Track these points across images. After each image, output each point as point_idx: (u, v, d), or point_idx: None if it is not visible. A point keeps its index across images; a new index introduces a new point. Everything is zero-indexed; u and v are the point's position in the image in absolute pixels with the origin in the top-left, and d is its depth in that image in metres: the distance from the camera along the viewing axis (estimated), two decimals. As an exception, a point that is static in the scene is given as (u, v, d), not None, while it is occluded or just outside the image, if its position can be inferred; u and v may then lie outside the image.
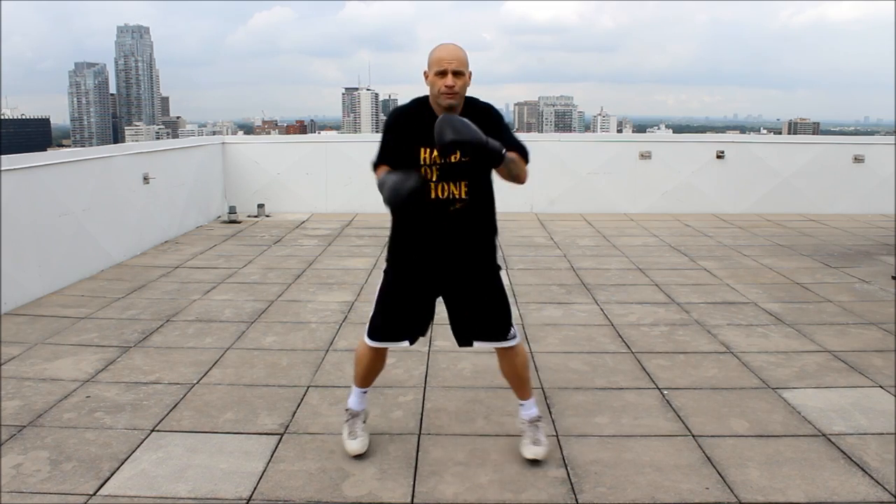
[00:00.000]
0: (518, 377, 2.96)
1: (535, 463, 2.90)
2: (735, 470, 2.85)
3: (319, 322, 4.82)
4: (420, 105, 2.70)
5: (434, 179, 2.65)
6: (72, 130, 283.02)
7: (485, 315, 2.82)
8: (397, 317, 2.83)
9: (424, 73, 2.64)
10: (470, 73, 2.62)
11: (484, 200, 2.76)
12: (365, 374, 2.98)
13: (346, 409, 3.03)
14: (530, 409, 2.98)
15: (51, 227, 5.64)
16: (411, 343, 2.88)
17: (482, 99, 2.74)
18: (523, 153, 2.69)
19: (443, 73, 2.56)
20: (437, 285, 2.81)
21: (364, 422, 3.02)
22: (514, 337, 2.87)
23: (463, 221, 2.71)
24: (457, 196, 2.67)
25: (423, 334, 2.92)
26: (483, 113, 2.68)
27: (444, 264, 2.76)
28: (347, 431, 2.96)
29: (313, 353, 4.20)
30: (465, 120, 2.44)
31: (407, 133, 2.66)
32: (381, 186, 2.54)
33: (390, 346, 2.89)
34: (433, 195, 2.66)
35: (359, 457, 2.95)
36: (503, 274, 2.92)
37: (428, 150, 2.63)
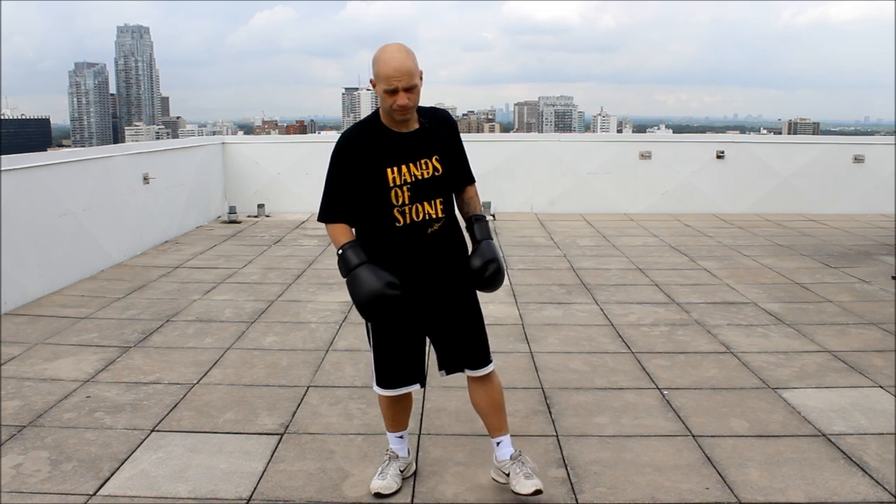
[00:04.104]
0: (495, 407, 2.68)
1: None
2: (735, 470, 2.85)
3: (319, 322, 4.82)
4: (369, 126, 2.48)
5: (407, 202, 2.43)
6: (72, 130, 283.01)
7: (470, 342, 2.61)
8: (399, 358, 2.60)
9: (371, 81, 2.40)
10: (421, 74, 2.40)
11: (454, 215, 2.59)
12: (391, 417, 2.74)
13: (387, 450, 2.79)
14: (508, 446, 2.66)
15: (51, 227, 5.64)
16: (422, 385, 2.67)
17: (443, 105, 2.64)
18: (472, 178, 2.69)
19: (393, 92, 2.33)
20: (423, 314, 2.57)
21: (402, 471, 2.74)
22: (492, 360, 2.66)
23: (442, 243, 2.51)
24: (433, 216, 2.47)
25: (425, 377, 2.71)
26: (448, 127, 2.59)
27: (427, 292, 2.52)
28: (379, 470, 2.73)
29: (313, 353, 4.20)
30: (493, 246, 2.56)
31: (366, 159, 2.42)
32: (347, 283, 2.46)
33: (400, 392, 2.63)
34: (408, 219, 2.44)
35: (359, 458, 2.95)
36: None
37: (396, 170, 2.41)
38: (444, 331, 2.61)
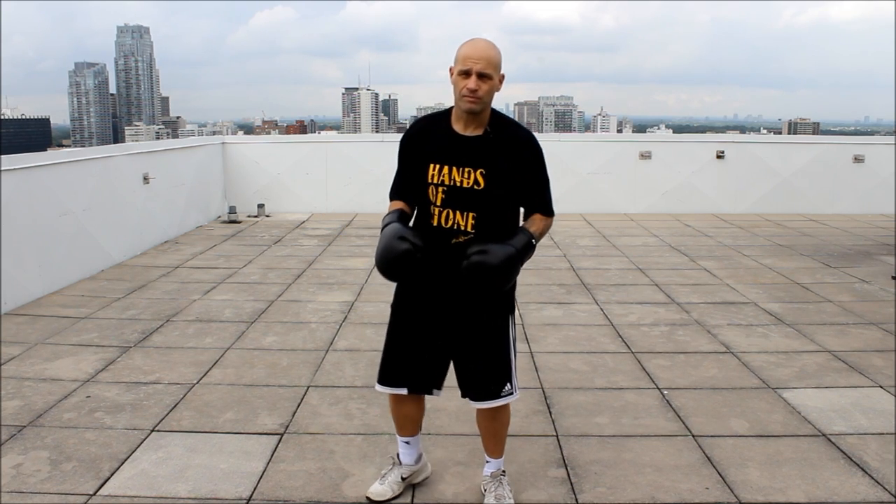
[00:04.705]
0: (494, 434, 2.61)
1: (533, 465, 2.90)
2: (735, 470, 2.85)
3: (319, 322, 4.82)
4: (437, 118, 2.44)
5: (439, 204, 2.36)
6: (72, 130, 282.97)
7: (478, 372, 2.47)
8: (399, 359, 2.53)
9: (450, 69, 2.33)
10: (502, 77, 2.33)
11: (496, 236, 2.34)
12: (395, 420, 2.68)
13: (392, 455, 2.77)
14: (493, 466, 2.64)
15: (51, 227, 5.64)
16: (410, 391, 2.53)
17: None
18: (547, 209, 2.46)
19: (466, 74, 2.26)
20: (440, 327, 2.47)
21: (404, 478, 2.68)
22: (509, 394, 2.49)
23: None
24: (462, 227, 2.35)
25: (428, 386, 2.55)
26: (517, 146, 2.37)
27: (444, 305, 2.44)
28: (381, 474, 2.70)
29: (313, 353, 4.20)
30: (507, 252, 2.25)
31: (419, 149, 2.40)
32: (381, 232, 2.36)
33: (390, 391, 2.56)
34: (436, 222, 2.37)
35: (359, 458, 2.95)
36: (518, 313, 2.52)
37: (437, 167, 2.35)
38: (460, 354, 2.50)
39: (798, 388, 3.68)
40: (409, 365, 2.53)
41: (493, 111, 2.40)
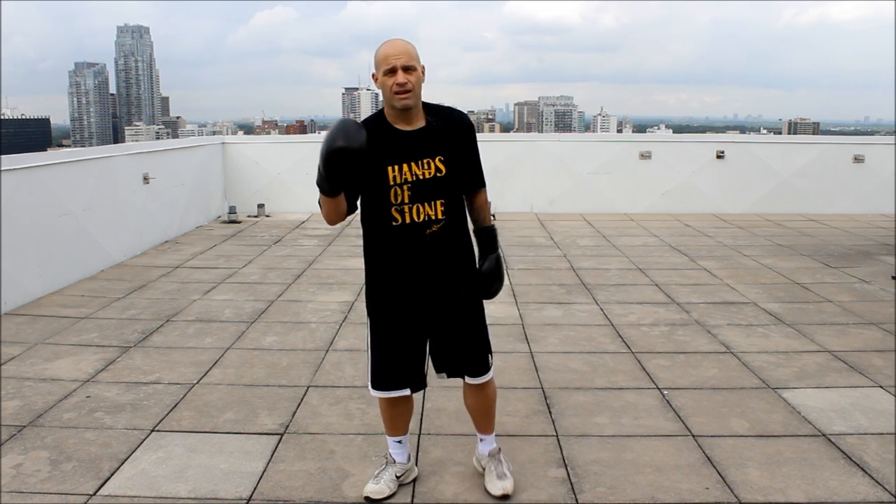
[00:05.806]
0: (486, 411, 2.74)
1: (533, 465, 2.90)
2: (735, 470, 2.85)
3: (319, 322, 4.82)
4: (374, 121, 2.46)
5: (407, 201, 2.40)
6: (72, 130, 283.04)
7: (470, 350, 2.59)
8: (392, 360, 2.57)
9: (373, 75, 2.40)
10: (423, 68, 2.40)
11: (460, 217, 2.53)
12: (388, 421, 2.73)
13: (385, 455, 2.79)
14: (490, 444, 2.75)
15: (51, 227, 5.64)
16: (413, 391, 2.62)
17: (456, 106, 2.56)
18: (483, 182, 2.60)
19: (392, 71, 2.33)
20: (423, 319, 2.54)
21: (398, 476, 2.72)
22: (491, 367, 2.65)
23: (442, 245, 2.46)
24: (433, 217, 2.43)
25: (424, 381, 2.66)
26: (459, 127, 2.50)
27: (427, 295, 2.50)
28: (374, 474, 2.72)
29: (313, 353, 4.20)
30: (498, 262, 2.55)
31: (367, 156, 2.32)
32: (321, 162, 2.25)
33: (392, 394, 2.60)
34: (407, 219, 2.41)
35: (359, 458, 2.95)
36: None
37: (397, 168, 2.39)
38: (445, 337, 2.57)
39: (798, 388, 3.68)
40: (406, 367, 2.58)
41: (424, 103, 2.47)
